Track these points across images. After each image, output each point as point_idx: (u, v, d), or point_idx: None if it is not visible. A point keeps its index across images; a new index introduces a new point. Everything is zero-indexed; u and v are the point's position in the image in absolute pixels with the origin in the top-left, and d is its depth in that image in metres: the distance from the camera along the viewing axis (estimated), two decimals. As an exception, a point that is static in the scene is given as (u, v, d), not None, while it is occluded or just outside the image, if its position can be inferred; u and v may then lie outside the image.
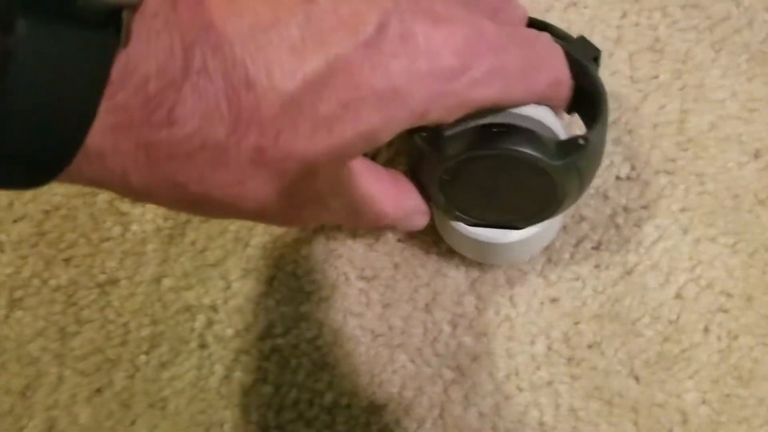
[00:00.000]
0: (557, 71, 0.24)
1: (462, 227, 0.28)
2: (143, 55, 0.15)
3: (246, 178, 0.19)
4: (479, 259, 0.32)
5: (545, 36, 0.24)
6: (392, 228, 0.27)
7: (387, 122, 0.20)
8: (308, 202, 0.22)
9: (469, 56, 0.20)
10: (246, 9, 0.18)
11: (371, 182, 0.23)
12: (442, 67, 0.20)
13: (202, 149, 0.17)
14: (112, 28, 0.14)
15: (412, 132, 0.24)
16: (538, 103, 0.24)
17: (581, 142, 0.23)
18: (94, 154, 0.16)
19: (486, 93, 0.21)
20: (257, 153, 0.18)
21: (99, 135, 0.15)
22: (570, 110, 0.29)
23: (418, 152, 0.24)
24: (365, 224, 0.26)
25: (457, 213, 0.27)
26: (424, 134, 0.24)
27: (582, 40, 0.28)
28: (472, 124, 0.23)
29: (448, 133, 0.24)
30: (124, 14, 0.14)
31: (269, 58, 0.17)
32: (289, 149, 0.18)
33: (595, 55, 0.27)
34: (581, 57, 0.27)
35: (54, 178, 0.15)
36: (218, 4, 0.17)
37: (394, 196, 0.25)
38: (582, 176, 0.25)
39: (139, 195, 0.19)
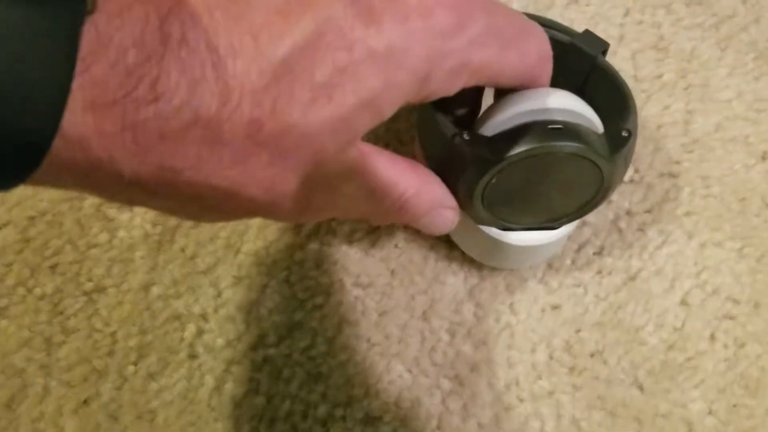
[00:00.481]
0: (544, 43, 0.23)
1: (495, 232, 0.27)
2: (116, 28, 0.14)
3: (245, 158, 0.17)
4: (504, 265, 0.31)
5: (522, 14, 0.24)
6: (418, 223, 0.25)
7: (388, 87, 0.18)
8: (318, 188, 0.20)
9: (463, 13, 0.20)
10: None
11: (387, 164, 0.22)
12: (438, 24, 0.19)
13: (194, 125, 0.16)
14: None
15: (452, 137, 0.23)
16: (529, 78, 0.23)
17: (625, 134, 0.23)
18: (76, 141, 0.15)
19: (484, 55, 0.20)
20: (254, 127, 0.17)
21: (78, 116, 0.14)
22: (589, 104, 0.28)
23: (460, 157, 0.23)
24: (386, 214, 0.24)
25: (495, 218, 0.25)
26: (467, 137, 0.23)
27: (588, 33, 0.27)
28: (517, 123, 0.23)
29: (495, 133, 0.23)
30: None
31: (254, 22, 0.17)
32: (287, 121, 0.17)
33: (603, 48, 0.27)
34: (590, 50, 0.26)
35: (32, 173, 0.14)
36: None
37: (415, 180, 0.23)
38: (626, 166, 0.25)
39: (131, 192, 0.17)
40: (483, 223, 0.26)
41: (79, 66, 0.14)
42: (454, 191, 0.24)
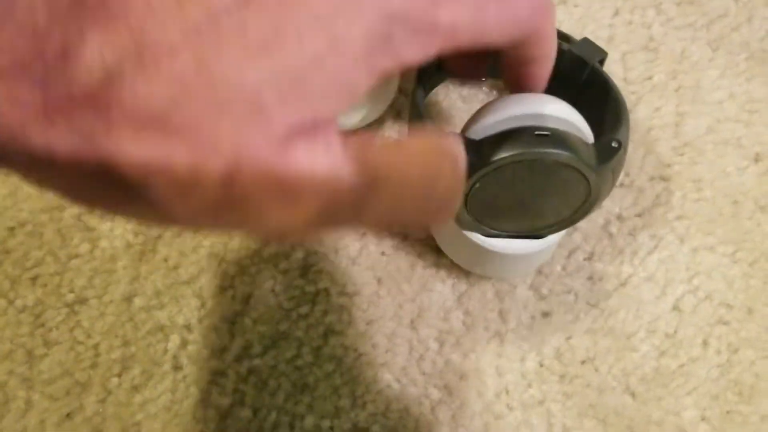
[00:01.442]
0: None
1: (480, 239, 0.27)
2: None
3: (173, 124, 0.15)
4: (491, 274, 0.30)
5: None
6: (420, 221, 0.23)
7: (337, 45, 0.16)
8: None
9: None
10: None
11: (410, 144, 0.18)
12: None
13: (109, 86, 0.15)
14: None
15: None
16: (525, 33, 0.20)
17: (615, 144, 0.23)
18: None
19: (455, 14, 0.18)
20: (179, 85, 0.15)
21: None
22: (583, 112, 0.27)
23: None
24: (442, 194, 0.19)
25: (478, 224, 0.25)
26: None
27: (586, 41, 0.27)
28: (505, 127, 0.22)
29: (481, 137, 0.22)
30: None
31: None
32: (218, 73, 0.15)
33: (601, 57, 0.27)
34: (588, 59, 0.26)
35: None
36: None
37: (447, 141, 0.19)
38: (615, 177, 0.24)
39: (49, 174, 0.15)
40: (467, 228, 0.26)
41: None
42: None
